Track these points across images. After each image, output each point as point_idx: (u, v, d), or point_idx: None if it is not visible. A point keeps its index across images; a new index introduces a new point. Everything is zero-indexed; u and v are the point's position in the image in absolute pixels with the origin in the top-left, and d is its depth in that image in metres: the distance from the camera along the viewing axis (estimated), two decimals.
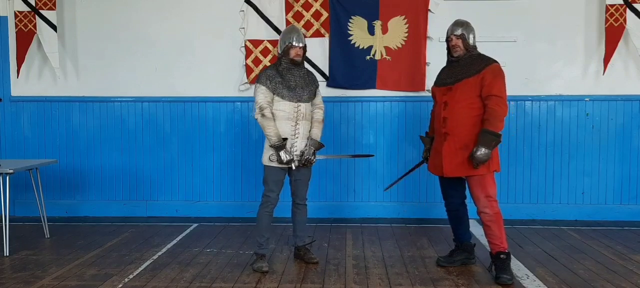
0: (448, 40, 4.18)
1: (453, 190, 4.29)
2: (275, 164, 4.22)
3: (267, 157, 4.24)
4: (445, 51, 4.31)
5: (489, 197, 4.01)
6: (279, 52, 4.33)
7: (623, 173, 6.09)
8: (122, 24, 6.27)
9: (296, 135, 4.27)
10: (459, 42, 4.11)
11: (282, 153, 4.16)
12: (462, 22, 4.17)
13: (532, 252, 4.79)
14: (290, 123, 4.25)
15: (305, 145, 4.31)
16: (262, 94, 4.18)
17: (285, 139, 4.18)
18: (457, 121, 4.02)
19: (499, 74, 4.00)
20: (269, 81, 4.20)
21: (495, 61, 4.09)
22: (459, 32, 4.12)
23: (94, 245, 5.07)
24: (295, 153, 4.24)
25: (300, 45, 4.30)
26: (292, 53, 4.28)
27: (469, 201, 4.30)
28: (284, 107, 4.22)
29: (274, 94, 4.20)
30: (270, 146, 4.19)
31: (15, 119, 6.40)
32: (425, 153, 4.51)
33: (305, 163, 4.29)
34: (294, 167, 4.24)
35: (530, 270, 4.29)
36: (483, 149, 3.87)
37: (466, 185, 4.21)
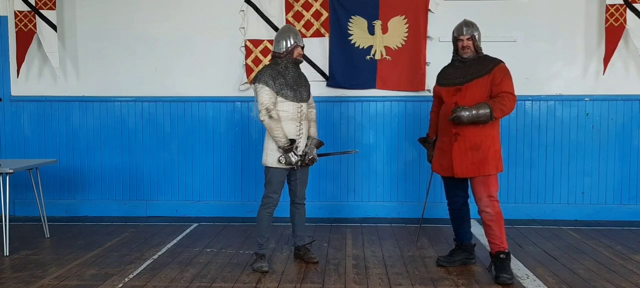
0: (458, 41, 4.15)
1: (457, 189, 4.29)
2: (282, 166, 4.21)
3: (273, 158, 4.21)
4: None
5: (491, 196, 4.02)
6: (278, 51, 4.28)
7: (623, 173, 6.09)
8: (122, 24, 6.27)
9: (300, 136, 4.28)
10: (470, 43, 4.10)
11: (291, 155, 4.15)
12: (471, 23, 4.15)
13: (532, 252, 4.79)
14: (295, 123, 4.25)
15: (306, 145, 4.32)
16: (267, 95, 4.15)
17: (293, 141, 4.18)
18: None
19: (508, 73, 4.03)
20: (273, 81, 4.17)
21: (502, 61, 4.09)
22: (469, 33, 4.10)
23: (94, 245, 5.07)
24: (299, 153, 4.25)
25: (303, 44, 4.34)
26: (296, 53, 4.28)
27: (470, 200, 4.31)
28: (287, 108, 4.21)
29: (278, 94, 4.18)
30: (279, 148, 4.17)
31: (15, 119, 6.40)
32: (429, 157, 4.50)
33: (309, 163, 4.30)
34: (297, 167, 4.24)
35: (530, 270, 4.29)
36: (471, 112, 3.89)
37: (469, 185, 4.20)
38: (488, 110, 3.89)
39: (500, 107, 3.91)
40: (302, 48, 4.35)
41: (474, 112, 3.90)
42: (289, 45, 4.25)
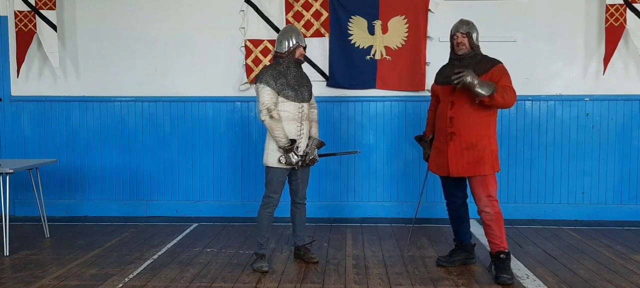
0: (453, 37, 4.17)
1: (456, 189, 4.29)
2: (283, 166, 4.21)
3: (274, 158, 4.21)
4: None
5: (490, 196, 4.02)
6: (281, 51, 4.28)
7: (623, 173, 6.09)
8: (122, 24, 6.27)
9: (301, 136, 4.28)
10: (465, 40, 4.10)
11: (291, 155, 4.16)
12: (468, 21, 4.16)
13: (532, 252, 4.79)
14: (295, 124, 4.25)
15: (308, 145, 4.32)
16: (268, 95, 4.15)
17: (293, 141, 4.18)
18: (464, 121, 4.00)
19: (506, 73, 4.03)
20: (274, 81, 4.17)
21: (500, 62, 4.10)
22: (464, 29, 4.10)
23: (94, 245, 5.07)
24: (299, 153, 4.25)
25: (305, 44, 4.34)
26: (298, 53, 4.28)
27: (469, 200, 4.31)
28: (288, 108, 4.21)
29: (279, 94, 4.18)
30: (280, 148, 4.17)
31: (15, 119, 6.40)
32: (425, 156, 4.50)
33: (310, 163, 4.30)
34: (297, 167, 4.24)
35: (530, 270, 4.29)
36: (474, 81, 3.79)
37: (467, 185, 4.21)
38: (492, 90, 3.82)
39: (502, 92, 3.88)
40: (304, 48, 4.35)
41: (476, 82, 3.80)
42: (291, 45, 4.25)
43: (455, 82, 3.84)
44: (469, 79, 3.81)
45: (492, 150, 4.04)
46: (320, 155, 4.46)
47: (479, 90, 3.82)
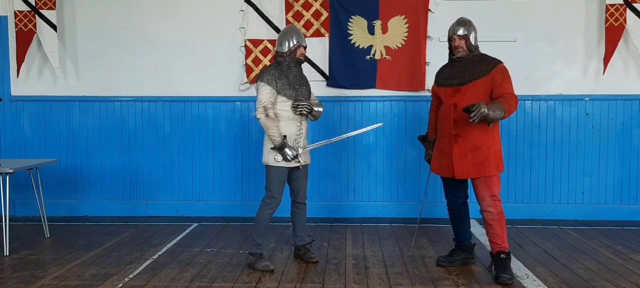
0: (450, 40, 4.15)
1: (457, 190, 4.28)
2: (282, 164, 4.21)
3: (272, 157, 4.23)
4: (446, 50, 4.29)
5: (494, 196, 4.01)
6: (282, 51, 4.30)
7: (623, 173, 6.09)
8: (122, 24, 6.27)
9: (301, 134, 4.29)
10: (462, 43, 4.07)
11: (287, 150, 4.16)
12: (465, 21, 4.12)
13: (532, 252, 4.79)
14: (295, 123, 4.27)
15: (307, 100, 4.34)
16: (267, 94, 4.16)
17: (284, 136, 4.18)
18: (468, 122, 3.98)
19: (507, 74, 4.01)
20: (275, 82, 4.19)
21: (501, 61, 4.08)
22: (462, 32, 4.07)
23: (94, 245, 5.07)
24: (298, 146, 4.25)
25: (305, 44, 4.36)
26: (299, 53, 4.30)
27: (469, 200, 4.31)
28: (289, 107, 4.23)
29: (279, 94, 4.19)
30: (274, 148, 4.18)
31: (15, 119, 6.40)
32: (427, 157, 4.49)
33: (311, 112, 4.30)
34: (292, 160, 4.22)
35: (530, 269, 4.29)
36: (489, 110, 3.72)
37: (468, 185, 4.20)
38: (502, 109, 3.80)
39: (508, 108, 3.88)
40: (305, 48, 4.37)
41: (490, 112, 3.75)
42: (291, 45, 4.27)
43: (472, 120, 3.73)
44: (484, 110, 3.71)
45: (496, 151, 4.04)
46: (345, 136, 4.50)
47: (494, 115, 3.77)
